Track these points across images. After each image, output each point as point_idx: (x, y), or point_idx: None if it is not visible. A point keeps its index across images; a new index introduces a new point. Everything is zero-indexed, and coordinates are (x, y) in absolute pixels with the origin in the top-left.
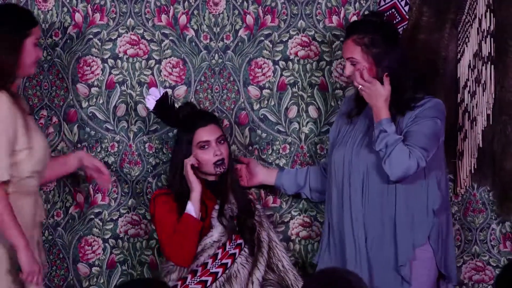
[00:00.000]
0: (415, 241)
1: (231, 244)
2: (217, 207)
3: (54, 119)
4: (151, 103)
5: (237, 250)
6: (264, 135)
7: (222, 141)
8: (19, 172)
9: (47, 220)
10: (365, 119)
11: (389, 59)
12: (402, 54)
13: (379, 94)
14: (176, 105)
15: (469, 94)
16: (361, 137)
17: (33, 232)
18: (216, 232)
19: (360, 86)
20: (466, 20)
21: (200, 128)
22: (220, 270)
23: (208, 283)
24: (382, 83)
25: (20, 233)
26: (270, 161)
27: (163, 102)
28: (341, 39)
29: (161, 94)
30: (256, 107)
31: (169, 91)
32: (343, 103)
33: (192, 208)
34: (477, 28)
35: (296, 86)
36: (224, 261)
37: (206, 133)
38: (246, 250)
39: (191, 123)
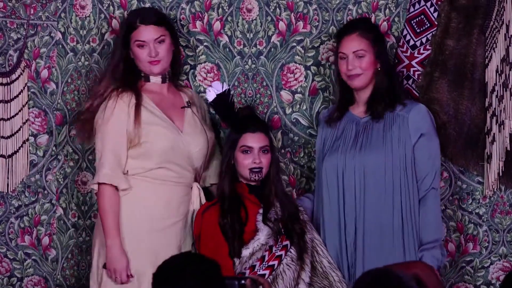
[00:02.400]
0: (423, 238)
1: (277, 246)
2: (261, 211)
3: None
4: (211, 95)
5: (283, 252)
6: (296, 138)
7: (266, 151)
8: (140, 165)
9: (84, 221)
10: (352, 124)
11: (386, 56)
12: (388, 53)
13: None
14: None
15: (496, 99)
16: (352, 141)
17: (163, 221)
18: (263, 235)
19: None
20: (494, 26)
21: (248, 133)
22: (267, 272)
23: None
24: (380, 75)
25: (111, 231)
26: (302, 163)
27: (223, 98)
28: None
29: (224, 89)
30: (288, 111)
31: (210, 94)
32: (321, 118)
33: None
34: (505, 34)
35: (328, 90)
36: (271, 263)
37: (252, 140)
38: (292, 251)
39: (241, 126)
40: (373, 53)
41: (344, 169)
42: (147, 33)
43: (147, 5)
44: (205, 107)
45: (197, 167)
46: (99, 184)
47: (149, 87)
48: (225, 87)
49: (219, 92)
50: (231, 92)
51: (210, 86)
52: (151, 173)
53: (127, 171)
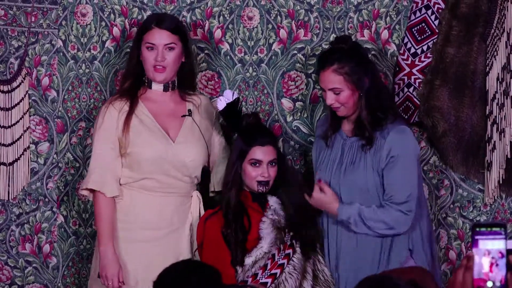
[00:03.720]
0: (399, 258)
1: (280, 254)
2: (264, 219)
3: (92, 131)
4: (221, 104)
5: (285, 260)
6: (297, 146)
7: (274, 164)
8: (129, 174)
9: (85, 229)
10: (340, 142)
11: (368, 81)
12: (375, 69)
13: (326, 202)
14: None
15: (497, 106)
16: (338, 161)
17: (155, 231)
18: (266, 243)
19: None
20: (495, 34)
21: (257, 146)
22: (269, 280)
23: None
24: (362, 105)
25: (104, 238)
26: (303, 171)
27: (233, 106)
28: (373, 52)
29: (234, 98)
30: (289, 119)
31: (221, 103)
32: (318, 126)
33: None
34: (506, 42)
35: None
36: (273, 271)
37: (261, 153)
38: (294, 259)
39: (251, 138)
40: (350, 86)
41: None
42: (159, 36)
43: (148, 12)
44: (213, 113)
45: (197, 175)
46: (93, 191)
47: (150, 94)
48: (235, 95)
49: (229, 101)
50: (241, 100)
51: (222, 95)
52: (140, 183)
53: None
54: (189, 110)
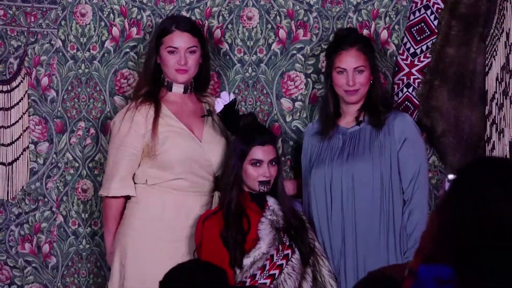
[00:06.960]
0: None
1: (278, 255)
2: (263, 219)
3: (92, 130)
4: (219, 106)
5: (284, 261)
6: (296, 146)
7: (274, 163)
8: (158, 175)
9: (84, 229)
10: (339, 135)
11: (377, 67)
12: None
13: None
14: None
15: (496, 107)
16: (339, 152)
17: (184, 230)
18: (264, 244)
19: None
20: (494, 34)
21: (257, 146)
22: (268, 281)
23: None
24: (375, 87)
25: (110, 242)
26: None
27: (230, 108)
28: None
29: (231, 99)
30: (288, 119)
31: (219, 105)
32: (308, 129)
33: None
34: (505, 42)
35: None
36: (271, 272)
37: (262, 153)
38: (293, 260)
39: (250, 138)
40: (369, 68)
41: (331, 180)
42: (181, 39)
43: (147, 12)
44: None
45: (218, 174)
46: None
47: (170, 97)
48: (232, 97)
49: (227, 103)
50: (237, 101)
51: (219, 97)
52: (170, 183)
53: (146, 180)
54: (208, 110)
